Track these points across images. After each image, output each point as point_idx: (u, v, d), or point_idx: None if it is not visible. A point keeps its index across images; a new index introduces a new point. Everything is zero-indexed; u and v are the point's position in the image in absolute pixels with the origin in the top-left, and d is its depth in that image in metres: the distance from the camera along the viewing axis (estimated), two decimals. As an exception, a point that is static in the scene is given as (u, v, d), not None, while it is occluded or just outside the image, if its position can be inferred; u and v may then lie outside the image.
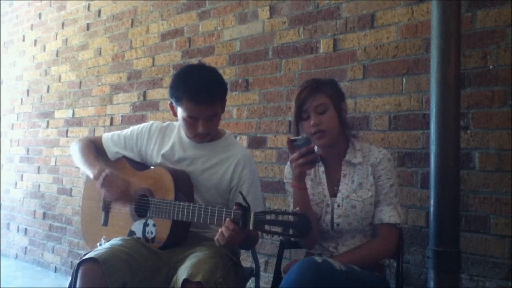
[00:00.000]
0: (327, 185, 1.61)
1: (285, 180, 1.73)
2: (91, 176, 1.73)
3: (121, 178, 1.69)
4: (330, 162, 1.64)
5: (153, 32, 3.21)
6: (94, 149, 1.85)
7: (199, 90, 1.60)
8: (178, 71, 1.73)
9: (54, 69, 4.04)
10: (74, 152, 1.85)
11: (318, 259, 1.32)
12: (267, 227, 1.37)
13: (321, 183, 1.62)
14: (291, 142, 1.50)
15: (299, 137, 1.51)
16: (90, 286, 1.40)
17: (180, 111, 1.67)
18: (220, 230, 1.44)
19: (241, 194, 1.46)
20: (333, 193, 1.60)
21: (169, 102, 1.74)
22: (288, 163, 1.67)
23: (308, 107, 1.55)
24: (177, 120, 1.83)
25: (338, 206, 1.56)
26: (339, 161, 1.61)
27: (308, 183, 1.59)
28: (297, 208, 1.49)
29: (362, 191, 1.55)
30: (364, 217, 1.54)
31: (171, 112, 1.76)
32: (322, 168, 1.64)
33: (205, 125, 1.66)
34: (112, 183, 1.66)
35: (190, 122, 1.66)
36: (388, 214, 1.53)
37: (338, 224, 1.55)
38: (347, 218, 1.54)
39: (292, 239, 1.59)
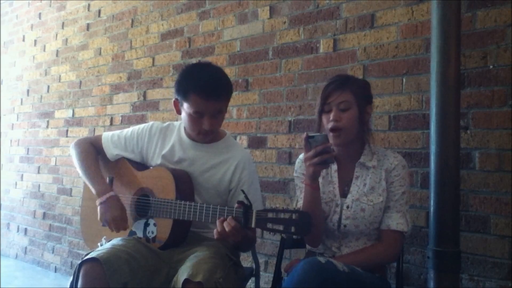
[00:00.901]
0: (338, 185, 1.60)
1: (295, 174, 1.69)
2: (93, 191, 1.72)
3: (120, 205, 1.68)
4: (343, 161, 1.61)
5: (153, 32, 3.21)
6: (95, 156, 1.83)
7: (208, 84, 1.61)
8: (185, 68, 1.73)
9: (54, 69, 4.04)
10: (74, 158, 1.84)
11: (322, 259, 1.32)
12: (269, 225, 1.37)
13: (332, 182, 1.61)
14: (307, 139, 1.45)
15: (317, 134, 1.47)
16: (92, 286, 1.41)
17: (186, 107, 1.65)
18: (220, 226, 1.43)
19: (243, 192, 1.46)
20: (344, 193, 1.58)
21: (173, 99, 1.73)
22: (300, 156, 1.66)
23: (332, 100, 1.53)
24: (177, 120, 1.83)
25: (347, 207, 1.55)
26: (352, 162, 1.59)
27: (319, 181, 1.56)
28: (299, 206, 1.49)
29: (373, 195, 1.54)
30: (372, 221, 1.54)
31: (171, 112, 1.76)
32: (334, 167, 1.61)
33: (210, 121, 1.65)
34: (110, 207, 1.65)
35: (196, 119, 1.65)
36: (397, 221, 1.52)
37: (345, 226, 1.54)
38: (355, 220, 1.53)
39: (294, 236, 1.59)
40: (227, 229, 1.41)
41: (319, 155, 1.42)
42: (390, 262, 1.60)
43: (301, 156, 1.67)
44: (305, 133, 1.46)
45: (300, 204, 1.58)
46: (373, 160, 1.57)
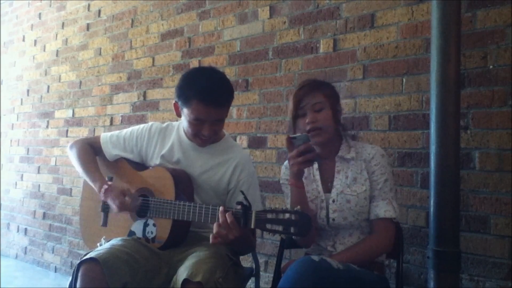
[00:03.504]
0: (320, 182, 1.63)
1: (281, 181, 1.73)
2: (96, 189, 1.73)
3: (119, 189, 1.66)
4: (323, 159, 1.65)
5: (153, 32, 3.21)
6: (92, 155, 1.83)
7: (211, 91, 1.60)
8: (188, 72, 1.72)
9: (54, 69, 4.04)
10: (72, 158, 1.84)
11: (316, 258, 1.32)
12: (268, 225, 1.37)
13: (315, 180, 1.64)
14: (289, 140, 1.50)
15: (298, 134, 1.51)
16: (91, 286, 1.40)
17: (186, 112, 1.65)
18: (216, 223, 1.44)
19: (242, 192, 1.46)
20: (327, 189, 1.61)
21: (173, 102, 1.72)
22: (285, 163, 1.69)
23: (305, 104, 1.57)
24: (177, 120, 1.83)
25: (333, 201, 1.57)
26: (332, 158, 1.63)
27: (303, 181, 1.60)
28: (298, 207, 1.49)
29: (356, 186, 1.56)
30: (359, 212, 1.55)
31: (171, 112, 1.76)
32: (315, 165, 1.65)
33: (210, 128, 1.65)
34: (112, 196, 1.65)
35: (196, 124, 1.65)
36: (384, 209, 1.54)
37: (333, 219, 1.56)
38: (342, 212, 1.55)
39: (293, 237, 1.59)
40: (221, 220, 1.41)
41: (302, 154, 1.47)
42: (386, 251, 1.60)
43: (286, 163, 1.69)
44: (287, 135, 1.52)
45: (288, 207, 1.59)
46: (352, 152, 1.60)
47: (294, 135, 1.51)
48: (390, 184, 1.58)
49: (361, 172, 1.58)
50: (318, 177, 1.64)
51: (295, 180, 1.52)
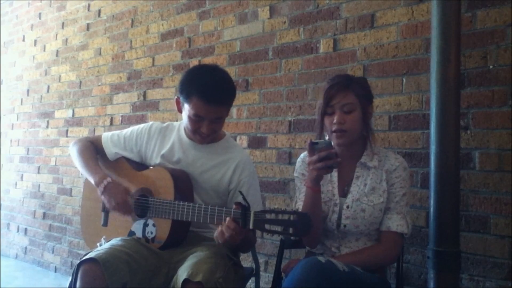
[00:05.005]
0: (337, 184, 1.59)
1: (295, 174, 1.69)
2: (93, 182, 1.72)
3: (122, 188, 1.67)
4: (343, 161, 1.58)
5: (153, 32, 3.21)
6: (94, 152, 1.84)
7: (211, 89, 1.60)
8: (191, 68, 1.73)
9: (54, 69, 4.04)
10: (73, 154, 1.85)
11: (322, 259, 1.32)
12: (267, 226, 1.37)
13: (331, 181, 1.60)
14: (311, 145, 1.46)
15: (321, 140, 1.48)
16: (90, 287, 1.40)
17: (187, 108, 1.65)
18: (220, 229, 1.43)
19: (241, 193, 1.46)
20: (343, 193, 1.58)
21: (175, 97, 1.73)
22: (301, 155, 1.67)
23: (335, 103, 1.52)
24: (177, 120, 1.83)
25: (348, 207, 1.54)
26: (353, 162, 1.59)
27: None
28: (298, 207, 1.49)
29: (373, 196, 1.53)
30: (372, 222, 1.53)
31: (171, 112, 1.76)
32: None
33: (209, 126, 1.65)
34: (113, 192, 1.65)
35: (195, 121, 1.65)
36: (397, 223, 1.52)
37: (345, 225, 1.54)
38: (355, 220, 1.53)
39: (292, 238, 1.58)
40: (227, 234, 1.40)
41: (322, 160, 1.42)
42: (389, 263, 1.60)
43: (302, 155, 1.67)
44: (309, 140, 1.47)
45: (299, 205, 1.58)
46: (374, 160, 1.57)
47: (316, 140, 1.47)
48: (407, 199, 1.56)
49: (381, 183, 1.54)
50: (335, 179, 1.60)
51: (312, 184, 1.47)
